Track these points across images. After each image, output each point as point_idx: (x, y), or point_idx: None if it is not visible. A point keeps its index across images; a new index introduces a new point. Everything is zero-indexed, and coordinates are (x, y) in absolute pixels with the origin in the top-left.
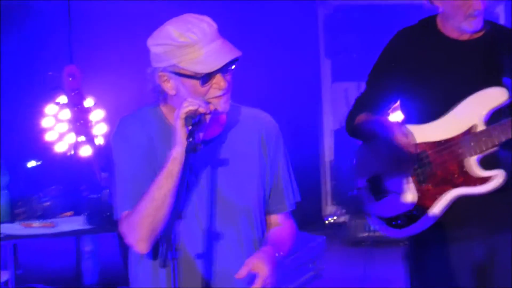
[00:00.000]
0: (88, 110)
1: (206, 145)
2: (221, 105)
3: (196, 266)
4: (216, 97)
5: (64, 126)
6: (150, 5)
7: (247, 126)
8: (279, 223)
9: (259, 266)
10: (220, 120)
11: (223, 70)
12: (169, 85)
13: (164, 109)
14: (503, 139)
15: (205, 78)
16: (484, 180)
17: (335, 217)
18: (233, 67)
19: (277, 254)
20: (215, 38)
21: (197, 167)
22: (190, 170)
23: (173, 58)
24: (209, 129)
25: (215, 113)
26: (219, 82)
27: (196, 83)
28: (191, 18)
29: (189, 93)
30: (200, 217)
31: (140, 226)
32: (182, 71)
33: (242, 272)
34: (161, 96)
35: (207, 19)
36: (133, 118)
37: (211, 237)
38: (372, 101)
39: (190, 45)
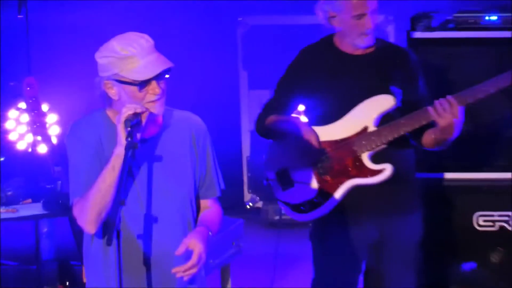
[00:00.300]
0: (43, 115)
1: (146, 143)
2: (156, 108)
3: (138, 245)
4: (152, 101)
5: (24, 128)
6: (97, 21)
7: (180, 126)
8: (209, 207)
9: (194, 243)
10: (157, 121)
11: (158, 78)
12: (113, 92)
13: (109, 112)
14: (391, 138)
15: (142, 84)
16: (374, 173)
17: (251, 203)
18: (167, 76)
19: (209, 233)
20: (151, 52)
21: (140, 161)
22: (134, 164)
23: (116, 68)
24: (147, 129)
25: (151, 116)
26: (154, 88)
27: (134, 89)
28: (132, 35)
29: (129, 98)
30: (142, 203)
31: (88, 211)
32: (123, 79)
33: (181, 249)
34: (107, 101)
35: (146, 36)
36: (83, 121)
37: (151, 220)
38: (279, 105)
39: (130, 57)
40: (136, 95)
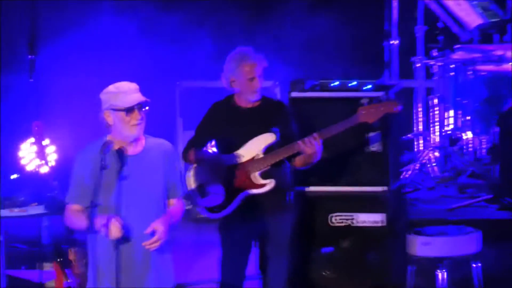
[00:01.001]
0: (45, 146)
1: (133, 158)
2: (137, 130)
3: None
4: (134, 124)
5: (32, 155)
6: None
7: (158, 147)
8: (174, 204)
9: (158, 226)
10: (140, 142)
11: (139, 108)
12: (110, 119)
13: (109, 138)
14: (273, 162)
15: (128, 110)
16: (262, 186)
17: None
18: (146, 108)
19: (172, 220)
20: (135, 92)
21: (128, 172)
22: (122, 175)
23: (111, 101)
24: (134, 148)
25: (136, 139)
26: (136, 115)
27: (123, 114)
28: (123, 82)
29: (119, 122)
30: (128, 203)
31: (69, 221)
32: (115, 107)
33: (148, 229)
34: (107, 129)
35: (133, 84)
36: (89, 146)
37: (134, 212)
38: (198, 142)
39: (121, 93)
40: (124, 119)
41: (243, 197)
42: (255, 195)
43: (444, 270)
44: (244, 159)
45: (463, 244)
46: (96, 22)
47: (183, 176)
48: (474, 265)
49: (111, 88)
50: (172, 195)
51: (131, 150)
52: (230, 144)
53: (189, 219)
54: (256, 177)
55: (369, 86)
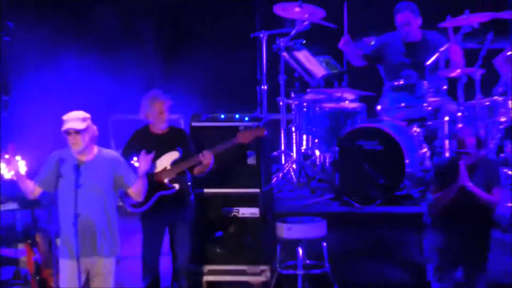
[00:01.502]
0: (17, 161)
1: (88, 164)
2: (73, 147)
3: (82, 218)
4: (72, 144)
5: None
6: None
7: (107, 154)
8: (133, 188)
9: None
10: (91, 153)
11: (74, 132)
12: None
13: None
14: (177, 171)
15: (66, 133)
16: (171, 188)
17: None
18: (77, 132)
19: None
20: (73, 120)
21: (83, 176)
22: (78, 178)
23: (63, 126)
24: (87, 157)
25: (82, 150)
26: (71, 137)
27: (66, 136)
28: (73, 112)
29: (67, 141)
30: (83, 199)
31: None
32: (63, 129)
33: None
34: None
35: (79, 113)
36: (53, 153)
37: (89, 205)
38: (124, 158)
39: (64, 120)
40: (68, 139)
41: (157, 197)
42: (166, 195)
43: (302, 247)
44: (157, 170)
45: (314, 229)
46: (53, 65)
47: (130, 169)
48: (324, 245)
49: (64, 116)
50: (129, 183)
51: (84, 158)
52: (151, 159)
53: (120, 213)
54: (165, 182)
55: (247, 118)
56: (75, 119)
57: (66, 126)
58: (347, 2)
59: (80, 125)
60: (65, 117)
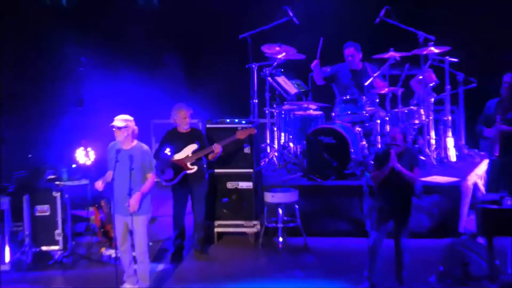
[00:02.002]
0: (88, 151)
1: (127, 151)
2: (119, 140)
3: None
4: (117, 137)
5: (82, 155)
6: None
7: (140, 146)
8: (147, 178)
9: (131, 200)
10: (129, 144)
11: (117, 128)
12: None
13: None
14: (196, 158)
15: (114, 129)
16: (192, 169)
17: None
18: (119, 129)
19: (143, 191)
20: (116, 120)
21: (121, 159)
22: (118, 161)
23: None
24: (126, 146)
25: (123, 142)
26: (116, 132)
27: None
28: (121, 115)
29: (115, 135)
30: (121, 174)
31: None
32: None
33: (128, 202)
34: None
35: (124, 116)
36: (110, 144)
37: (125, 179)
38: (160, 149)
39: (113, 121)
40: (115, 134)
41: (182, 175)
42: (188, 174)
43: (281, 209)
44: (182, 157)
45: (289, 196)
46: (111, 84)
47: (152, 163)
48: (296, 207)
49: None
50: (146, 171)
51: (124, 147)
52: (176, 150)
53: (158, 186)
54: (188, 165)
55: (243, 122)
56: (118, 119)
57: (112, 124)
58: (323, 38)
59: (120, 124)
60: (115, 118)
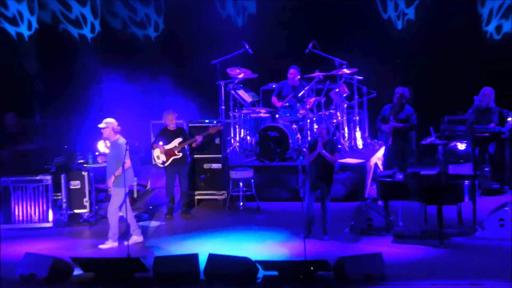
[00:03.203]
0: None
1: (111, 144)
2: (104, 136)
3: None
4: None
5: (102, 146)
6: None
7: (119, 141)
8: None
9: (110, 178)
10: (113, 138)
11: (101, 128)
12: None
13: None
14: (181, 147)
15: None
16: (178, 155)
17: None
18: (102, 127)
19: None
20: (102, 123)
21: (109, 149)
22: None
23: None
24: (110, 140)
25: (104, 138)
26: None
27: None
28: (105, 119)
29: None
30: (108, 163)
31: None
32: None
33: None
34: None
35: (106, 120)
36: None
37: (109, 164)
38: (156, 142)
39: None
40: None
41: (172, 159)
42: (176, 158)
43: (242, 182)
44: (171, 147)
45: (247, 173)
46: (123, 96)
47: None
48: (252, 181)
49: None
50: (116, 158)
51: (110, 141)
52: (167, 142)
53: (157, 167)
54: (175, 152)
55: (214, 121)
56: (102, 122)
57: (98, 125)
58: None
59: (102, 125)
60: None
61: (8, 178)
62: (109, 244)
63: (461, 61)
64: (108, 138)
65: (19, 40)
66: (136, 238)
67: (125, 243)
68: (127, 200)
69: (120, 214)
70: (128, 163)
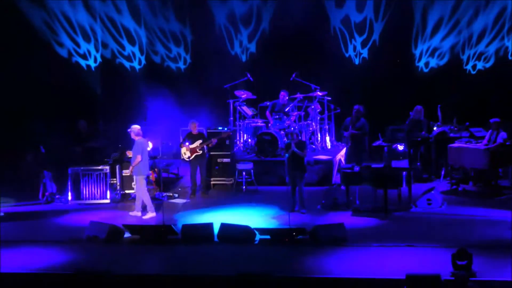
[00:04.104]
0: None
1: (136, 142)
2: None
3: None
4: None
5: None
6: None
7: (141, 141)
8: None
9: (131, 167)
10: (136, 138)
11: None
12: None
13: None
14: (202, 146)
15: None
16: (199, 151)
17: None
18: (129, 130)
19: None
20: (130, 128)
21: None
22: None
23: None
24: (136, 139)
25: (133, 137)
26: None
27: None
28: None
29: None
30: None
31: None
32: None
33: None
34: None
35: (133, 126)
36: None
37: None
38: (183, 141)
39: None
40: None
41: (194, 155)
42: (197, 155)
43: (243, 172)
44: (194, 146)
45: (248, 165)
46: (162, 109)
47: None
48: (251, 171)
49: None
50: (135, 153)
51: (135, 140)
52: (191, 142)
53: (183, 161)
54: (197, 150)
55: (226, 128)
56: (131, 128)
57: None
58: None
59: (129, 129)
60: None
61: (79, 168)
62: (149, 215)
63: (400, 87)
64: (133, 139)
65: (88, 70)
66: (150, 214)
67: (143, 216)
68: (144, 183)
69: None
70: (138, 158)
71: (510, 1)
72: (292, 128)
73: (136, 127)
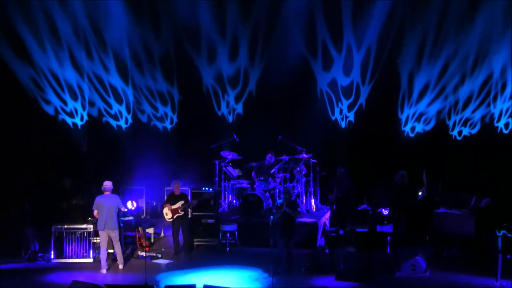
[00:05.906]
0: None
1: (106, 196)
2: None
3: None
4: None
5: (130, 204)
6: None
7: (112, 196)
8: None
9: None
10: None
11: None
12: None
13: None
14: (183, 208)
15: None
16: (181, 213)
17: None
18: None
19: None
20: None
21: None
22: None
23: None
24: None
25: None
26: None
27: None
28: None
29: None
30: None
31: None
32: None
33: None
34: None
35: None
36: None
37: (110, 214)
38: (166, 202)
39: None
40: None
41: (175, 216)
42: (179, 216)
43: (228, 233)
44: (176, 207)
45: (232, 227)
46: (148, 168)
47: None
48: (235, 232)
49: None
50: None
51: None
52: (173, 203)
53: (165, 222)
54: (179, 211)
55: (211, 189)
56: (104, 184)
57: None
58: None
59: (103, 186)
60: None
61: (62, 226)
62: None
63: (386, 151)
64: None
65: (74, 128)
66: (120, 266)
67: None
68: (105, 238)
69: (111, 250)
70: (94, 213)
71: (496, 68)
72: (276, 190)
73: (105, 183)
